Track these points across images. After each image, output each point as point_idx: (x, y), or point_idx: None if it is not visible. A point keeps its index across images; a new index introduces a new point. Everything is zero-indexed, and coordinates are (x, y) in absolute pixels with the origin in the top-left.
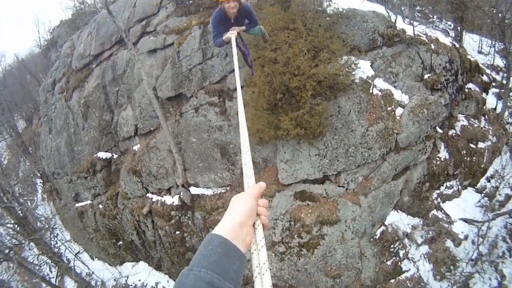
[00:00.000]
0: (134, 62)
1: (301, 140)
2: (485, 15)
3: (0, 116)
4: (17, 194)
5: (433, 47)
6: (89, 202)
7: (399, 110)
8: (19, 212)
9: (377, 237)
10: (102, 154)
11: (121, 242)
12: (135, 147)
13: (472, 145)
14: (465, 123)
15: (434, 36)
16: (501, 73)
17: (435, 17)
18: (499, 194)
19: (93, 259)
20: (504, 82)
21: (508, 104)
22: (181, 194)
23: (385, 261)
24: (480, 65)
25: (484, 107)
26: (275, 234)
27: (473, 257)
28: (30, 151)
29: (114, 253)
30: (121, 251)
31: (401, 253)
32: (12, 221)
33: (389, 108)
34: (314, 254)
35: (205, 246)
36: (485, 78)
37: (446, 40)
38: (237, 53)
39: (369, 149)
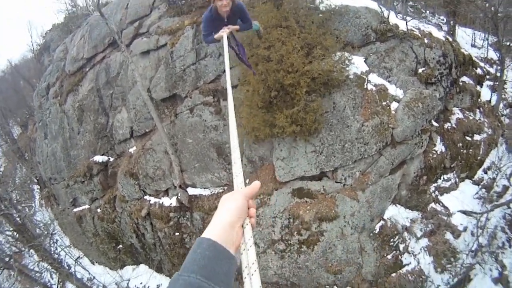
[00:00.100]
0: (127, 64)
1: (297, 137)
2: (477, 9)
3: None
4: (15, 201)
5: (426, 41)
6: (87, 206)
7: (394, 105)
8: (18, 219)
9: (376, 232)
10: (99, 158)
11: (120, 246)
12: (131, 150)
13: (468, 138)
14: (460, 116)
15: (427, 31)
16: (494, 66)
17: (427, 12)
18: (497, 185)
19: (93, 264)
20: (498, 74)
21: (503, 96)
22: (179, 195)
23: (385, 255)
24: (474, 58)
25: (479, 99)
26: (274, 232)
27: (473, 249)
28: (26, 157)
29: (114, 257)
30: (121, 255)
31: (401, 246)
32: (11, 229)
33: (384, 103)
34: (314, 250)
35: (194, 250)
36: (479, 71)
37: (439, 34)
38: (229, 52)
39: (365, 144)
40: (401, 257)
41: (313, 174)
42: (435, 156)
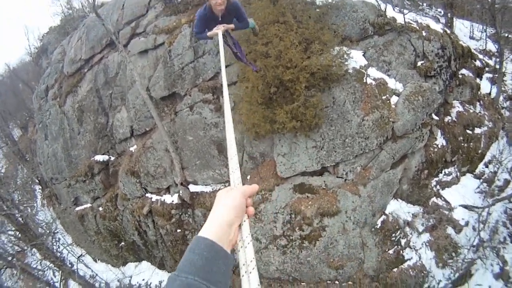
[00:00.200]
0: (125, 64)
1: (298, 133)
2: (474, 0)
3: None
4: (17, 201)
5: (424, 34)
6: (89, 205)
7: (394, 99)
8: (20, 218)
9: (378, 227)
10: (99, 157)
11: (123, 243)
12: (132, 148)
13: (468, 131)
14: (461, 109)
15: (425, 23)
16: (493, 58)
17: (424, 4)
18: (498, 179)
19: (96, 261)
20: (497, 66)
21: (503, 88)
22: (180, 192)
23: (387, 250)
24: (473, 50)
25: (479, 92)
26: (276, 227)
27: (475, 244)
28: (27, 158)
29: (116, 254)
30: (123, 252)
31: (403, 241)
32: (13, 228)
33: (384, 97)
34: (316, 246)
35: (191, 250)
36: (478, 63)
37: (437, 27)
38: (224, 50)
39: (366, 139)
40: (403, 252)
41: (314, 170)
42: (436, 150)
